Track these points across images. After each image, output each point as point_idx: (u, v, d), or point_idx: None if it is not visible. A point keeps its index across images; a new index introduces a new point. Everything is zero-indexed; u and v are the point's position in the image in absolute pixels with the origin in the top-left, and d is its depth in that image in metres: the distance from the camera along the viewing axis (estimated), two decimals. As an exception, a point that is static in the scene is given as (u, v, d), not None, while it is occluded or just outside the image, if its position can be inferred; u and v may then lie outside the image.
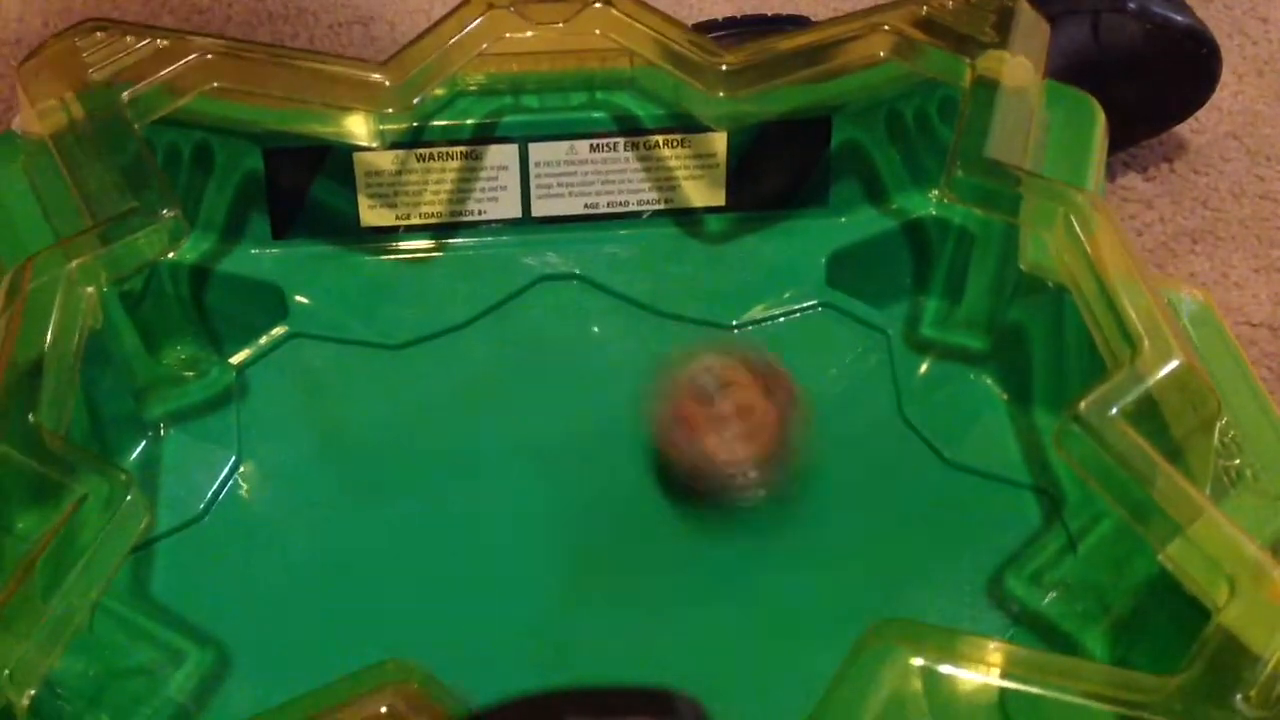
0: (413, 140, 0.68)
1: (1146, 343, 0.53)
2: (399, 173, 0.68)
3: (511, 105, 0.68)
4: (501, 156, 0.69)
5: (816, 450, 0.64)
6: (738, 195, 0.70)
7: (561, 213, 0.70)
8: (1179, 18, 0.86)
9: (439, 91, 0.67)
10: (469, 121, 0.68)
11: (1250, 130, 0.93)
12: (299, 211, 0.68)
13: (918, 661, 0.45)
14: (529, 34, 0.65)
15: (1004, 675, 0.45)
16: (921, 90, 0.68)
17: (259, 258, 0.68)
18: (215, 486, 0.62)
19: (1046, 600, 0.58)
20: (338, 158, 0.68)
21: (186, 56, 0.62)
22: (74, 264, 0.55)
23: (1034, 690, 0.45)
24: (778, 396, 0.61)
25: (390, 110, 0.65)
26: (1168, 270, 0.85)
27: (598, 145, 0.69)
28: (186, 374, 0.65)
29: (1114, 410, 0.51)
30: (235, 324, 0.67)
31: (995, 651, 0.46)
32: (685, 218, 0.71)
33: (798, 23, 0.91)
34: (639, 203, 0.70)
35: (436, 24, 0.65)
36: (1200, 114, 0.91)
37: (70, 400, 0.53)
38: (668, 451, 0.61)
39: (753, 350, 0.63)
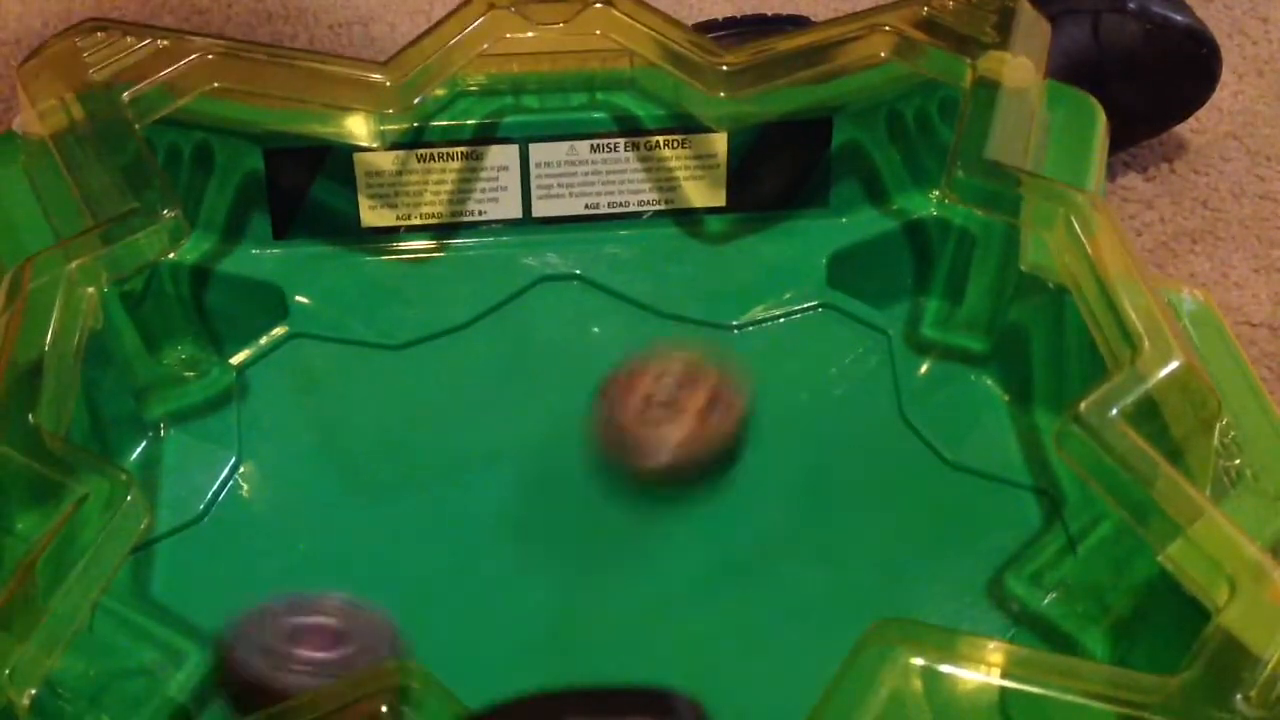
0: (413, 141, 0.68)
1: (1147, 343, 0.53)
2: (399, 173, 0.68)
3: (512, 105, 0.68)
4: (502, 157, 0.69)
5: (818, 450, 0.64)
6: (738, 196, 0.70)
7: (562, 213, 0.70)
8: (1179, 18, 0.86)
9: (440, 92, 0.67)
10: (469, 122, 0.68)
11: (1250, 130, 0.93)
12: (299, 212, 0.68)
13: (918, 661, 0.45)
14: (530, 34, 0.65)
15: (1004, 675, 0.45)
16: (922, 91, 0.68)
17: (259, 258, 0.68)
18: (215, 487, 0.62)
19: (1047, 600, 0.58)
20: (338, 158, 0.68)
21: (187, 57, 0.62)
22: (74, 264, 0.55)
23: (1034, 690, 0.45)
24: (720, 397, 0.61)
25: (391, 110, 0.65)
26: (1168, 270, 0.84)
27: (598, 146, 0.69)
28: (187, 374, 0.65)
29: (1114, 411, 0.51)
30: (236, 324, 0.67)
31: (995, 651, 0.45)
32: (686, 218, 0.71)
33: (797, 23, 0.91)
34: (639, 203, 0.70)
35: (437, 24, 0.65)
36: (1200, 114, 0.91)
37: (70, 400, 0.53)
38: (596, 425, 0.62)
39: (713, 355, 0.63)
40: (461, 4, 0.65)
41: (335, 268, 0.69)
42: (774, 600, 0.59)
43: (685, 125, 0.69)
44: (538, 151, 0.69)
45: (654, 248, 0.70)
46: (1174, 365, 0.52)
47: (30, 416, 0.51)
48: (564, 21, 0.65)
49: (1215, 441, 0.54)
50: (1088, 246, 0.57)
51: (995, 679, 0.45)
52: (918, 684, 0.45)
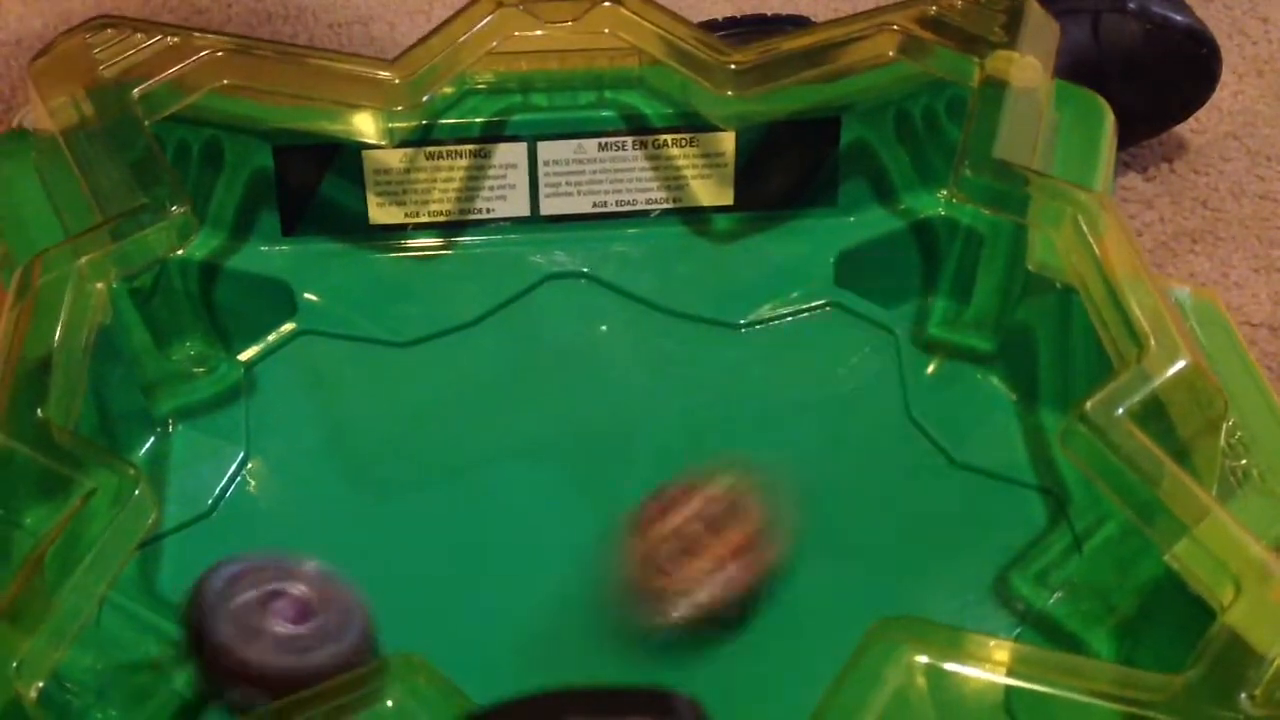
0: (422, 138, 0.68)
1: (1153, 343, 0.53)
2: (408, 170, 0.68)
3: (520, 104, 0.68)
4: (510, 155, 0.69)
5: (824, 448, 0.64)
6: (746, 194, 0.70)
7: (570, 211, 0.70)
8: (1179, 18, 0.86)
9: (448, 90, 0.67)
10: (478, 120, 0.68)
11: (1250, 130, 0.93)
12: (308, 209, 0.68)
13: (922, 659, 0.45)
14: (538, 32, 0.66)
15: (1009, 674, 0.45)
16: (930, 90, 0.68)
17: (268, 255, 0.68)
18: (223, 482, 0.63)
19: (1052, 600, 0.58)
20: (347, 155, 0.68)
21: (197, 54, 0.62)
22: (84, 260, 0.55)
23: (1039, 689, 0.45)
24: (752, 545, 0.58)
25: (399, 108, 0.65)
26: (1167, 270, 0.84)
27: (606, 144, 0.69)
28: (195, 370, 0.65)
29: (1120, 410, 0.51)
30: (244, 320, 0.67)
31: (1000, 650, 0.46)
32: (693, 217, 0.71)
33: (798, 23, 0.91)
34: (647, 201, 0.70)
35: (445, 22, 0.65)
36: (1200, 114, 0.91)
37: (79, 395, 0.53)
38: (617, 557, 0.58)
39: (767, 485, 0.59)
40: (470, 2, 0.65)
41: (344, 265, 0.69)
42: (778, 597, 0.59)
43: (693, 124, 0.69)
44: (546, 150, 0.69)
45: (661, 246, 0.70)
46: (1181, 365, 0.52)
47: (39, 411, 0.51)
48: (572, 20, 0.66)
49: (1222, 441, 0.54)
50: (1095, 246, 0.57)
51: (1000, 677, 0.45)
52: (922, 682, 0.45)
